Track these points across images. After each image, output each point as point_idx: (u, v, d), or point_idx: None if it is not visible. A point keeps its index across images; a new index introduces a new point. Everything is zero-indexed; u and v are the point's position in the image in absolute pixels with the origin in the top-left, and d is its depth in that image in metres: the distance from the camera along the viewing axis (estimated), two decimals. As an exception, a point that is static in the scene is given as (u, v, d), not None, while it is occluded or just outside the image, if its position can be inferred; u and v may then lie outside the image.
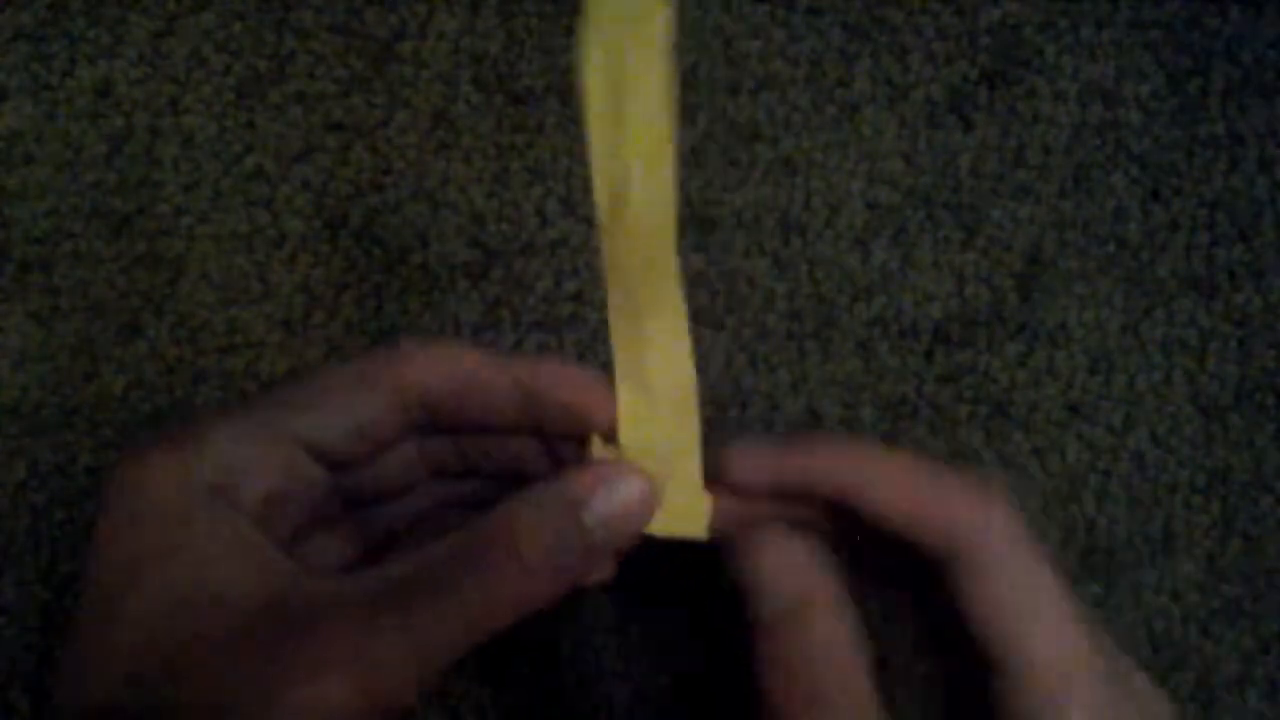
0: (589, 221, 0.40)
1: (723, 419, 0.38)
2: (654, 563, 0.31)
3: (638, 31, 0.22)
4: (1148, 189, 0.40)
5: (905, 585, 0.27)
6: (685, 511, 0.25)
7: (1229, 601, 0.37)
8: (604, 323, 0.38)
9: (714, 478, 0.25)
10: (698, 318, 0.39)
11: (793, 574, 0.24)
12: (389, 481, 0.27)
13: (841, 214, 0.40)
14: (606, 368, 0.38)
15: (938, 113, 0.41)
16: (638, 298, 0.23)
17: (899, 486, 0.24)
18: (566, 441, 0.26)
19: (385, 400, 0.25)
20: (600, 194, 0.22)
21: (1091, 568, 0.37)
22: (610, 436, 0.25)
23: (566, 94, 0.41)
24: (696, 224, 0.39)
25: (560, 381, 0.26)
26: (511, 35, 0.41)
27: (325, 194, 0.40)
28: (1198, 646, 0.37)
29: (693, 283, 0.39)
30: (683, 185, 0.40)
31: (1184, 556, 0.38)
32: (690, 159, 0.40)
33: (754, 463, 0.25)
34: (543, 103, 0.41)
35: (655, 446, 0.24)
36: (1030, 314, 0.39)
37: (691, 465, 0.24)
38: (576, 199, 0.40)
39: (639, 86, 0.22)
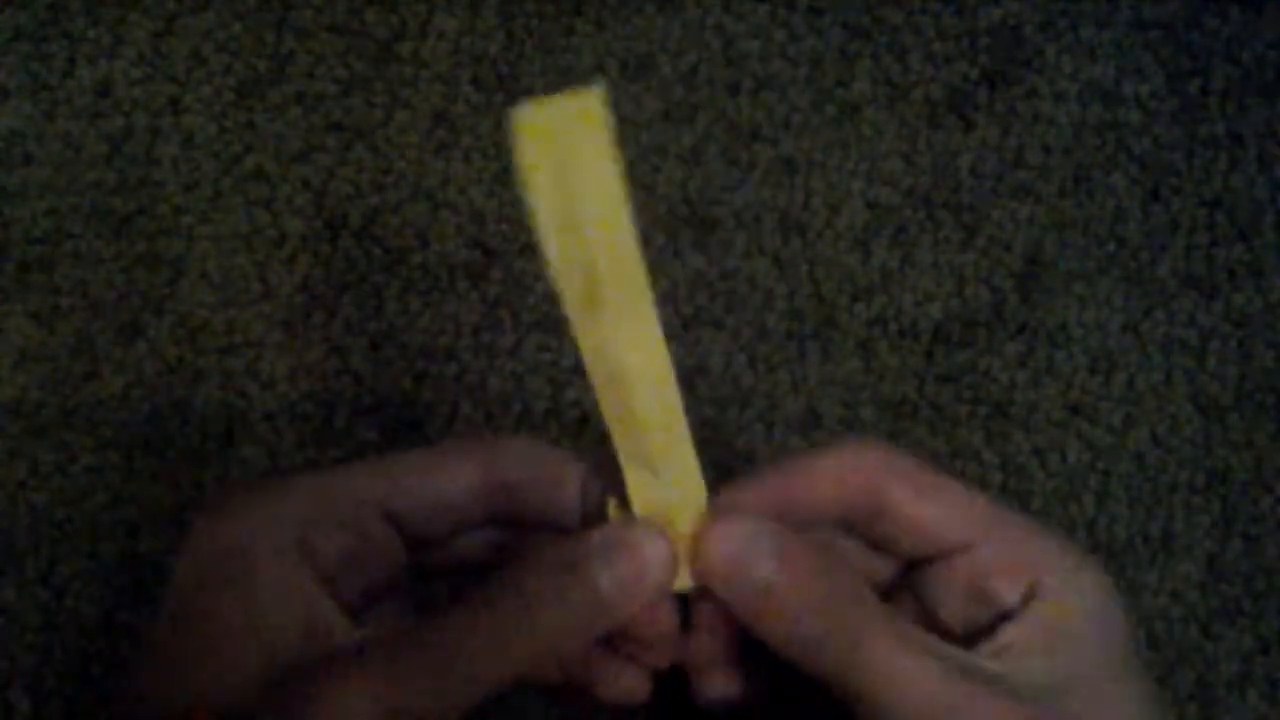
0: (589, 221, 0.40)
1: (723, 419, 0.38)
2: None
3: (578, 130, 0.22)
4: (1148, 189, 0.40)
5: None
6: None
7: (1229, 601, 0.37)
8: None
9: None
10: (698, 317, 0.39)
11: (755, 557, 0.25)
12: (459, 562, 0.28)
13: (841, 214, 0.40)
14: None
15: (938, 113, 0.41)
16: (628, 376, 0.23)
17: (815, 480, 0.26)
18: None
19: (467, 482, 0.26)
20: (569, 292, 0.22)
21: (1091, 568, 0.37)
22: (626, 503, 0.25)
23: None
24: (696, 224, 0.39)
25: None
26: (511, 35, 0.41)
27: (325, 194, 0.40)
28: (1198, 646, 0.37)
29: (693, 283, 0.39)
30: (683, 185, 0.40)
31: (1184, 556, 0.38)
32: (690, 159, 0.40)
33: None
34: (543, 103, 0.41)
35: (669, 511, 0.25)
36: (1030, 314, 0.39)
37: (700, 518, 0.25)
38: (576, 199, 0.40)
39: (590, 180, 0.22)
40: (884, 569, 0.28)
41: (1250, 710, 0.37)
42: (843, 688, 0.24)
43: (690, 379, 0.38)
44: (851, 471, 0.26)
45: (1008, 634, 0.25)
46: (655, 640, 0.26)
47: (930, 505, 0.26)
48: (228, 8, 0.41)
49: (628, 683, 0.27)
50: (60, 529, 0.37)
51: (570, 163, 0.21)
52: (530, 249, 0.39)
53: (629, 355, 0.23)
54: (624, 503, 0.25)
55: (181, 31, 0.41)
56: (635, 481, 0.24)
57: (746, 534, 0.24)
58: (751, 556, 0.24)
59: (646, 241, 0.40)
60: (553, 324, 0.39)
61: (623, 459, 0.24)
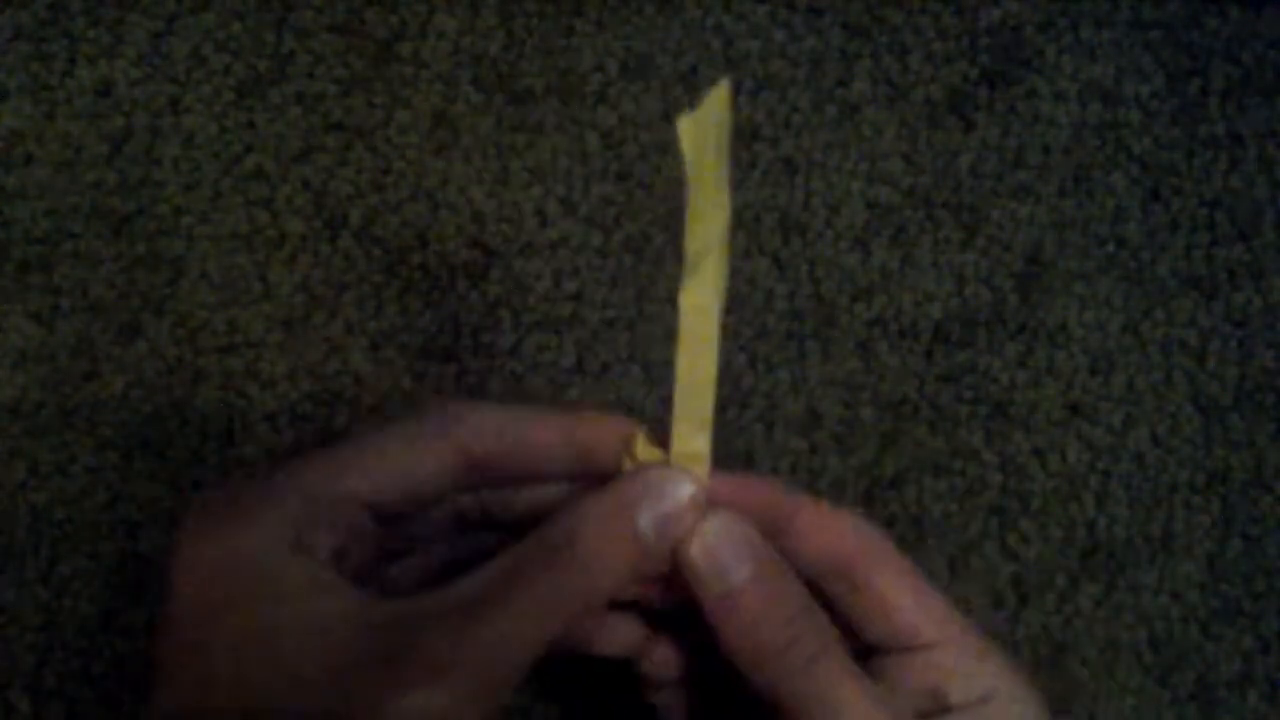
0: (589, 221, 0.40)
1: (723, 419, 0.38)
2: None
3: (717, 112, 0.26)
4: (1148, 189, 0.40)
5: None
6: None
7: (1229, 601, 0.37)
8: (604, 322, 0.39)
9: None
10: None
11: (731, 551, 0.25)
12: (424, 534, 0.29)
13: (841, 214, 0.40)
14: (607, 368, 0.38)
15: (938, 113, 0.41)
16: (703, 335, 0.26)
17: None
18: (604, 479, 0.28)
19: (440, 463, 0.26)
20: (690, 255, 0.26)
21: (1091, 568, 0.37)
22: (652, 440, 0.26)
23: (566, 94, 0.41)
24: (696, 224, 0.39)
25: (606, 432, 0.27)
26: (511, 35, 0.41)
27: (325, 194, 0.40)
28: (1198, 646, 0.37)
29: (693, 283, 0.39)
30: (683, 185, 0.40)
31: (1184, 556, 0.38)
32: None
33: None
34: (543, 103, 0.41)
35: (696, 451, 0.26)
36: (1030, 314, 0.39)
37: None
38: (576, 199, 0.40)
39: (716, 154, 0.27)
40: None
41: (1250, 710, 0.37)
42: (785, 708, 0.25)
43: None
44: (842, 535, 0.27)
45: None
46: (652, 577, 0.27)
47: (909, 597, 0.27)
48: (228, 8, 0.41)
49: (625, 637, 0.28)
50: (60, 529, 0.37)
51: (710, 140, 0.26)
52: (530, 249, 0.39)
53: (697, 317, 0.26)
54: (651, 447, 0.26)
55: (181, 31, 0.41)
56: (679, 433, 0.26)
57: (729, 535, 0.25)
58: (729, 558, 0.25)
59: (646, 241, 0.40)
60: (553, 324, 0.39)
61: (676, 409, 0.26)
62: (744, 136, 0.40)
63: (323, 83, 0.41)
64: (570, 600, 0.24)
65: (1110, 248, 0.40)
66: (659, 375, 0.38)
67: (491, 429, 0.27)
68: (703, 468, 0.26)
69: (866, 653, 0.28)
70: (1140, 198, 0.40)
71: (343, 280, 0.39)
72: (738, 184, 0.40)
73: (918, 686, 0.27)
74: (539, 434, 0.27)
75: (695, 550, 0.25)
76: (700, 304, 0.26)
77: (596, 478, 0.26)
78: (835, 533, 0.27)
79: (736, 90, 0.41)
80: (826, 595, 0.27)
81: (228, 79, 0.41)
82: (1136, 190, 0.40)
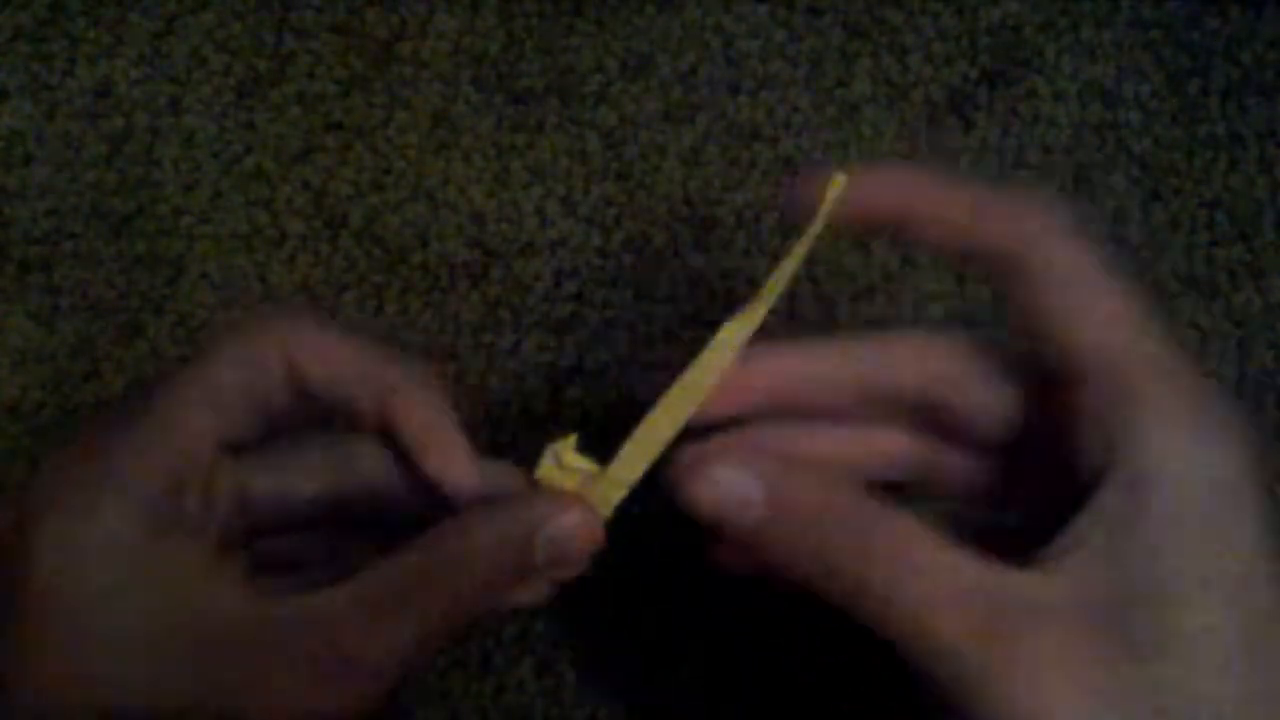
0: (589, 221, 0.40)
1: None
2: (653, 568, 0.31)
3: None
4: (1148, 189, 0.40)
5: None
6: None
7: (1229, 601, 0.37)
8: (604, 322, 0.39)
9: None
10: (698, 317, 0.39)
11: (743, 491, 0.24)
12: (289, 509, 0.28)
13: (841, 214, 0.40)
14: (607, 368, 0.38)
15: (938, 113, 0.41)
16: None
17: (959, 201, 0.24)
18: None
19: (275, 382, 0.26)
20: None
21: (1091, 568, 0.37)
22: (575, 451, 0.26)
23: (566, 94, 0.41)
24: (696, 224, 0.39)
25: (420, 425, 0.26)
26: (511, 35, 0.41)
27: (325, 194, 0.40)
28: (1198, 646, 0.37)
29: (693, 283, 0.39)
30: (683, 185, 0.40)
31: (1184, 556, 0.38)
32: (690, 159, 0.40)
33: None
34: (543, 103, 0.41)
35: (625, 480, 0.26)
36: (1030, 314, 0.39)
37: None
38: (576, 199, 0.40)
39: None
40: (959, 464, 0.26)
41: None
42: (855, 616, 0.22)
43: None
44: (928, 354, 0.25)
45: (1071, 531, 0.20)
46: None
47: (1059, 297, 0.22)
48: (228, 8, 0.41)
49: (531, 595, 0.27)
50: (60, 529, 0.37)
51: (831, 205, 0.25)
52: (530, 249, 0.39)
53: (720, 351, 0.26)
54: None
55: (181, 31, 0.41)
56: (627, 454, 0.25)
57: (731, 480, 0.23)
58: (738, 502, 0.23)
59: (646, 241, 0.40)
60: (553, 324, 0.39)
61: (640, 431, 0.25)
62: (744, 136, 0.40)
63: (323, 83, 0.41)
64: (463, 609, 0.24)
65: (1110, 248, 0.40)
66: (659, 375, 0.38)
67: (320, 352, 0.26)
68: (619, 495, 0.25)
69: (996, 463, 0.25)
70: (1140, 198, 0.40)
71: (343, 280, 0.39)
72: (738, 184, 0.40)
73: (1049, 466, 0.22)
74: (353, 368, 0.26)
75: (704, 506, 0.24)
76: (730, 340, 0.26)
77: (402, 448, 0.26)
78: (927, 352, 0.25)
79: (736, 90, 0.41)
80: (933, 418, 0.25)
81: (228, 79, 0.41)
82: (1136, 190, 0.40)
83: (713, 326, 0.39)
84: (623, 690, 0.36)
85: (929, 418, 0.26)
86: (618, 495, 0.25)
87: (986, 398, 0.24)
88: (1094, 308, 0.22)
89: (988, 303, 0.39)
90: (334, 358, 0.26)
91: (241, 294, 0.39)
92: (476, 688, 0.35)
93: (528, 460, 0.26)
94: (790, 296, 0.39)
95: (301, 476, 0.26)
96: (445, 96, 0.41)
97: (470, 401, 0.38)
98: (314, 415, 0.27)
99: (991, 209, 0.23)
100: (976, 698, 0.20)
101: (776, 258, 0.40)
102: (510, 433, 0.37)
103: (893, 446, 0.27)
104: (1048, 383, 0.23)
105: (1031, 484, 0.24)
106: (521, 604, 0.27)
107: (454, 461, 0.26)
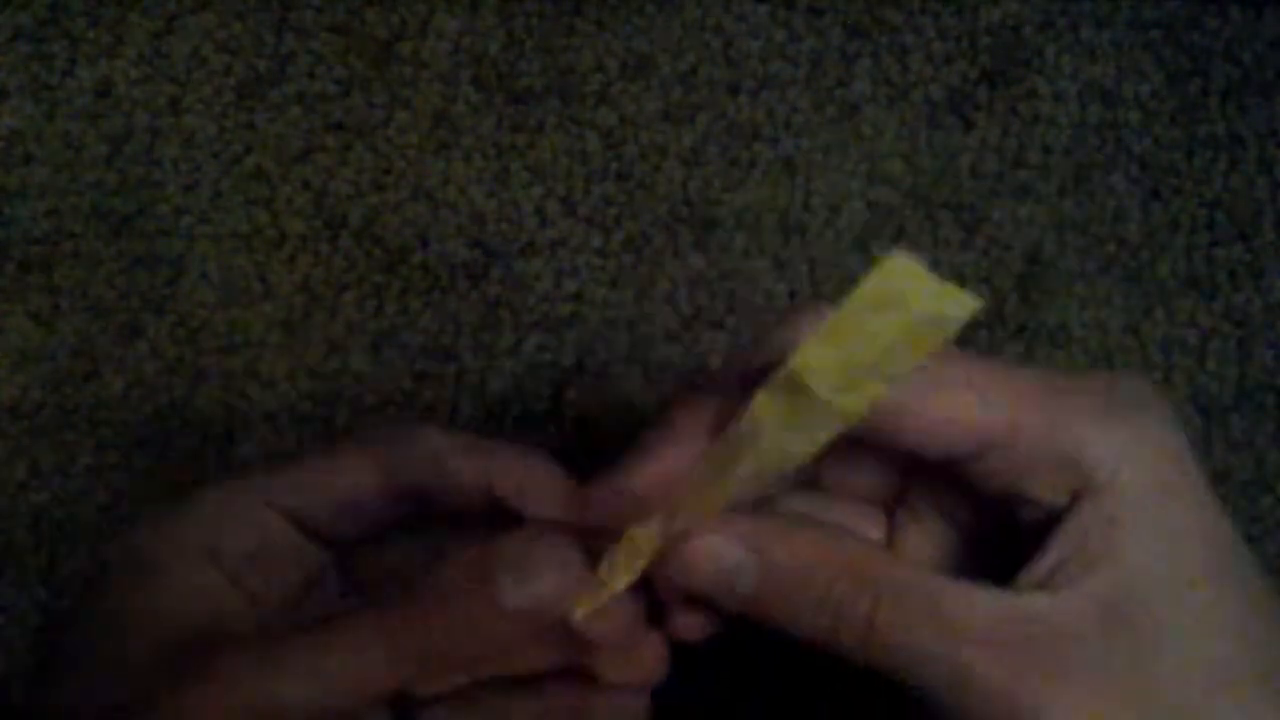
0: (589, 221, 0.40)
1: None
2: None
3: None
4: (1148, 189, 0.40)
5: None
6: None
7: (1229, 601, 0.37)
8: (604, 322, 0.39)
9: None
10: (698, 317, 0.39)
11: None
12: (393, 568, 0.28)
13: (841, 214, 0.40)
14: (607, 368, 0.38)
15: (938, 113, 0.41)
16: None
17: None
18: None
19: (364, 482, 0.26)
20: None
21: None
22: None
23: (566, 94, 0.41)
24: (696, 224, 0.39)
25: (528, 472, 0.25)
26: (511, 35, 0.41)
27: (325, 194, 0.40)
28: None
29: (693, 283, 0.39)
30: (683, 185, 0.40)
31: (1184, 556, 0.38)
32: (690, 159, 0.40)
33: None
34: (543, 103, 0.41)
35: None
36: (1030, 314, 0.39)
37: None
38: (576, 199, 0.40)
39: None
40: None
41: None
42: (869, 666, 0.22)
43: (690, 379, 0.38)
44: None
45: (1053, 549, 0.21)
46: (621, 638, 0.25)
47: (940, 396, 0.22)
48: (228, 8, 0.41)
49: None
50: (60, 529, 0.37)
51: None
52: (530, 249, 0.39)
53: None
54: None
55: (181, 31, 0.41)
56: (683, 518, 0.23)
57: (718, 554, 0.23)
58: (729, 576, 0.23)
59: (646, 241, 0.40)
60: (553, 324, 0.39)
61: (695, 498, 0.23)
62: (744, 136, 0.40)
63: (323, 83, 0.41)
64: (419, 656, 0.23)
65: (1110, 248, 0.40)
66: (659, 375, 0.38)
67: (424, 453, 0.25)
68: (650, 546, 0.23)
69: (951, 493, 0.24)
70: (1140, 198, 0.40)
71: (343, 280, 0.39)
72: (738, 184, 0.40)
73: (998, 501, 0.22)
74: (462, 466, 0.25)
75: (698, 580, 0.23)
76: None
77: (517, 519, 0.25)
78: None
79: (736, 90, 0.41)
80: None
81: (228, 79, 0.41)
82: (1136, 190, 0.40)
83: (713, 327, 0.39)
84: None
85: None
86: (650, 546, 0.24)
87: (933, 415, 0.23)
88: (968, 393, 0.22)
89: (988, 303, 0.39)
90: (437, 457, 0.25)
91: (241, 294, 0.39)
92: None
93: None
94: (790, 297, 0.39)
95: (343, 479, 0.26)
96: (445, 96, 0.41)
97: (470, 401, 0.38)
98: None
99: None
100: None
101: (777, 258, 0.40)
102: (510, 433, 0.37)
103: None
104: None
105: (978, 502, 0.23)
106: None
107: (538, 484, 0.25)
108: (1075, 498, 0.21)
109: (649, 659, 0.25)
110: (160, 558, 0.24)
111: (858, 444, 0.23)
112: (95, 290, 0.39)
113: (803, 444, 0.21)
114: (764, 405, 0.21)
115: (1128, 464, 0.21)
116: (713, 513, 0.23)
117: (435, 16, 0.41)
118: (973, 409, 0.22)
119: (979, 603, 0.21)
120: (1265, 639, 0.20)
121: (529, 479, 0.25)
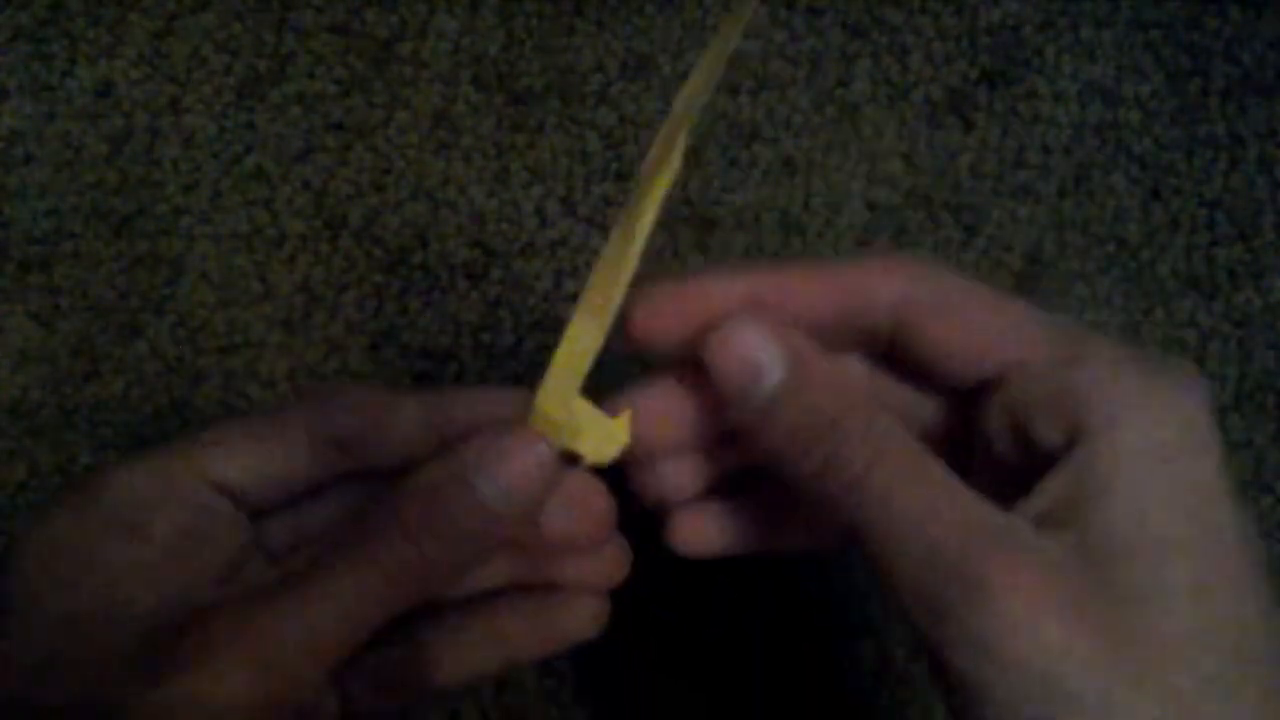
0: (589, 221, 0.40)
1: (723, 419, 0.38)
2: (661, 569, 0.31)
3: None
4: (1148, 189, 0.40)
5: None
6: (602, 441, 0.25)
7: (1229, 601, 0.37)
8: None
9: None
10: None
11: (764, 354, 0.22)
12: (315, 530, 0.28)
13: (841, 214, 0.40)
14: (605, 367, 0.38)
15: (938, 113, 0.41)
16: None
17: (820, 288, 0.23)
18: None
19: (294, 443, 0.25)
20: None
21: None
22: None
23: (567, 94, 0.41)
24: (696, 224, 0.39)
25: (468, 402, 0.26)
26: (511, 35, 0.41)
27: (325, 194, 0.40)
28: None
29: (693, 283, 0.39)
30: (683, 185, 0.40)
31: (1184, 556, 0.38)
32: (690, 159, 0.40)
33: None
34: (543, 103, 0.41)
35: (564, 405, 0.24)
36: (1030, 314, 0.39)
37: (579, 402, 0.24)
38: (576, 199, 0.40)
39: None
40: (925, 409, 0.25)
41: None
42: (845, 520, 0.21)
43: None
44: (877, 285, 0.23)
45: (1047, 491, 0.21)
46: (593, 534, 0.25)
47: (960, 321, 0.22)
48: (228, 8, 0.41)
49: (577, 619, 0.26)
50: (60, 529, 0.37)
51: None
52: (530, 249, 0.39)
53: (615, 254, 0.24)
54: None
55: (181, 31, 0.41)
56: (549, 389, 0.24)
57: (759, 339, 0.22)
58: (761, 364, 0.22)
59: (646, 241, 0.40)
60: (553, 324, 0.39)
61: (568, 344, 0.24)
62: (744, 136, 0.40)
63: (323, 83, 0.41)
64: (396, 583, 0.22)
65: (1110, 248, 0.40)
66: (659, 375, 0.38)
67: (347, 408, 0.25)
68: (557, 435, 0.23)
69: (963, 413, 0.23)
70: (1140, 198, 0.40)
71: (343, 280, 0.39)
72: (738, 184, 0.40)
73: (1007, 434, 0.22)
74: (400, 412, 0.25)
75: (725, 362, 0.22)
76: (632, 233, 0.24)
77: None
78: (877, 283, 0.23)
79: (735, 90, 0.41)
80: (898, 363, 0.24)
81: (228, 79, 0.41)
82: (1136, 190, 0.40)
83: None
84: (623, 691, 0.36)
85: (893, 349, 0.24)
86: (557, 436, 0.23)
87: (954, 330, 0.23)
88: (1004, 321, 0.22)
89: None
90: (366, 409, 0.25)
91: (241, 294, 0.39)
92: (477, 688, 0.35)
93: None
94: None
95: (272, 443, 0.25)
96: (445, 96, 0.41)
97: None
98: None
99: (856, 280, 0.23)
100: (968, 608, 0.19)
101: (777, 258, 0.40)
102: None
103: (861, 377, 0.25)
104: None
105: (986, 436, 0.23)
106: (571, 632, 0.26)
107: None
108: (1070, 443, 0.21)
109: (611, 561, 0.26)
110: (82, 545, 0.23)
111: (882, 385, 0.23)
112: (95, 290, 0.39)
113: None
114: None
115: (1130, 413, 0.20)
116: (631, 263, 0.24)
117: (435, 16, 0.41)
118: (994, 329, 0.22)
119: (967, 497, 0.21)
120: (1241, 618, 0.20)
121: (484, 400, 0.25)
